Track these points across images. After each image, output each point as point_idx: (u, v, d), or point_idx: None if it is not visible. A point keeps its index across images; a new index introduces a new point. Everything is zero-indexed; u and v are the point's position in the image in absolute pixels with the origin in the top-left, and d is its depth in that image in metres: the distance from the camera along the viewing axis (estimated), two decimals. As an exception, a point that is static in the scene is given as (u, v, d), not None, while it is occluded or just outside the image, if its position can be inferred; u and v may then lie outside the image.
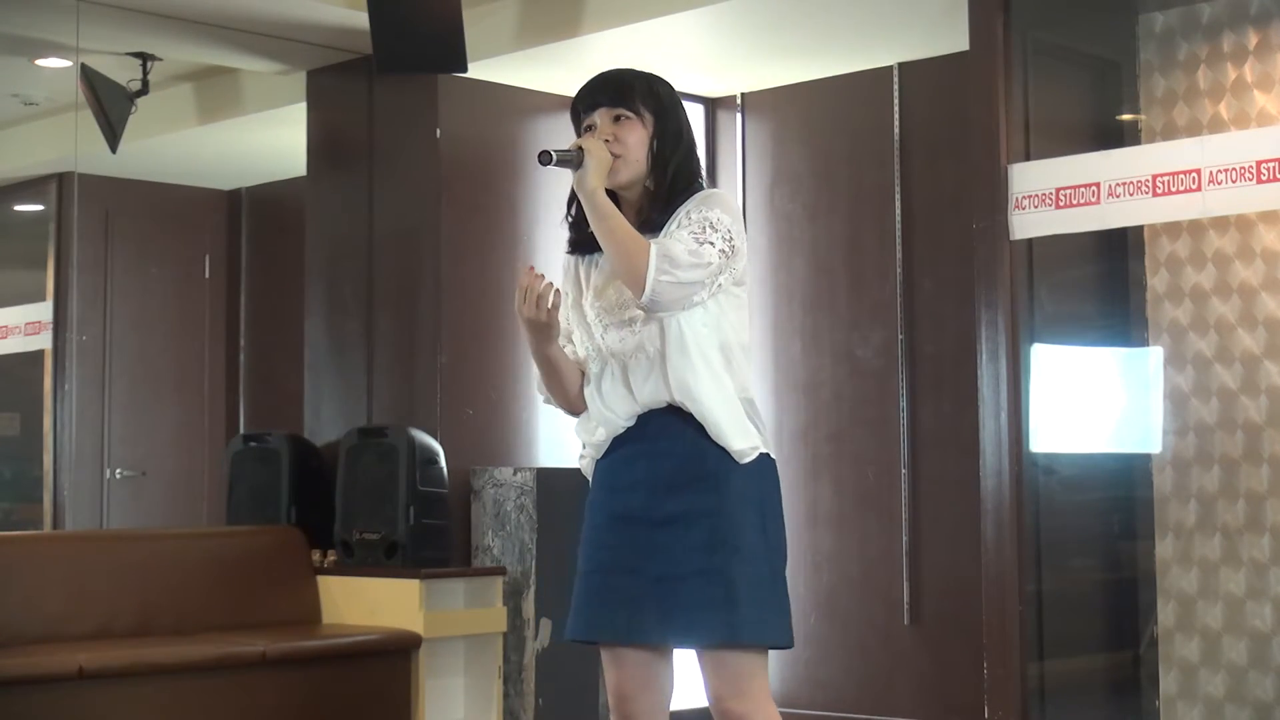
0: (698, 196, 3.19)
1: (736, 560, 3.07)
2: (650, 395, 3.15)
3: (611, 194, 3.22)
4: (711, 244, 3.08)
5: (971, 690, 5.40)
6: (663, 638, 3.12)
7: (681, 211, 3.16)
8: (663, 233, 3.14)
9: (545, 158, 3.12)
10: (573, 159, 3.13)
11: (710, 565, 3.07)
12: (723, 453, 3.11)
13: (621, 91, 3.23)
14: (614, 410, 3.19)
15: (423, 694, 5.61)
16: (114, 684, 4.90)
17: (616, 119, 3.21)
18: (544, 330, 3.19)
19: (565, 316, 3.30)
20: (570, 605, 3.24)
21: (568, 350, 3.28)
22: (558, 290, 3.19)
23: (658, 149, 3.21)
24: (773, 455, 3.20)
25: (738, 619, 3.05)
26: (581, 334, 3.27)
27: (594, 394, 3.23)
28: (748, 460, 3.12)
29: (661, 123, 3.23)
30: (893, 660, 6.20)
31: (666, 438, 3.14)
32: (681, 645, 3.16)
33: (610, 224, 3.10)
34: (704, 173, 3.32)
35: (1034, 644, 5.17)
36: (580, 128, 3.25)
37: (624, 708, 3.20)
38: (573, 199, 3.24)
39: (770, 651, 3.16)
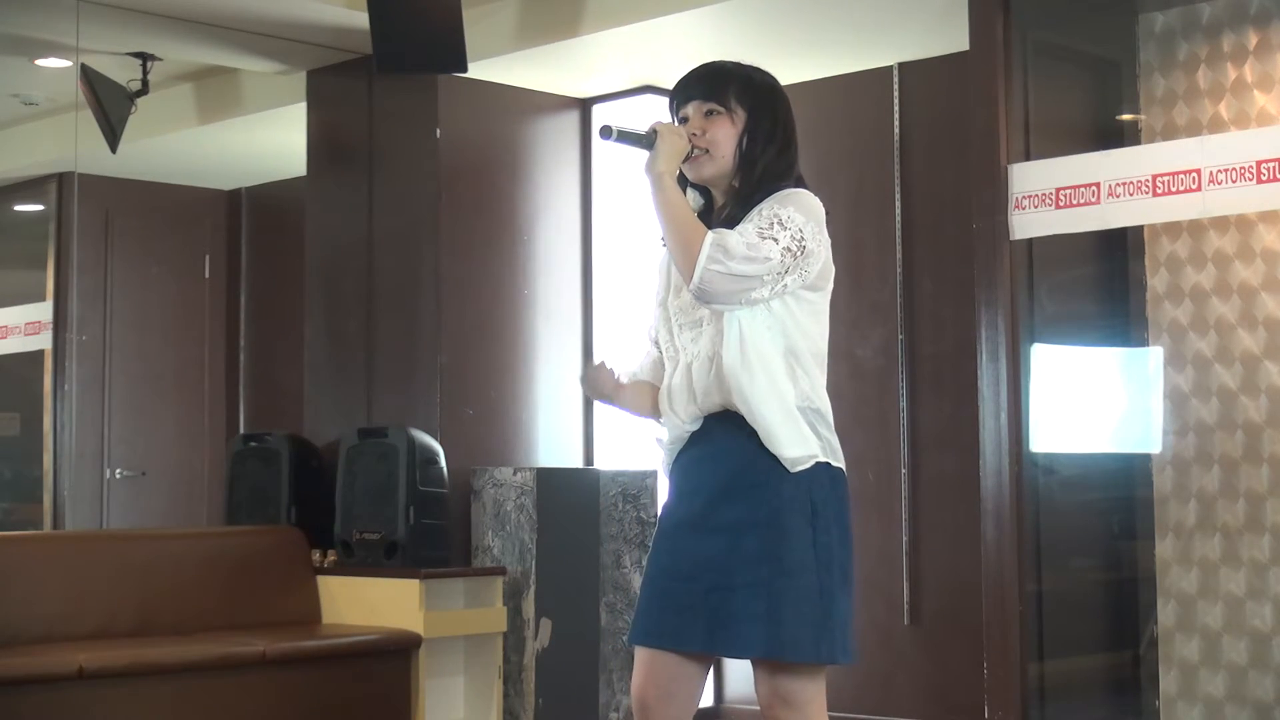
0: (779, 194, 3.12)
1: (780, 574, 3.02)
2: (707, 397, 3.12)
3: (705, 190, 3.21)
4: (775, 240, 3.02)
5: (971, 690, 5.40)
6: (709, 647, 3.09)
7: (756, 209, 3.10)
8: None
9: (606, 132, 3.08)
10: (643, 139, 3.08)
11: (757, 577, 3.03)
12: (775, 461, 3.05)
13: (714, 85, 3.19)
14: (678, 412, 3.16)
15: (423, 694, 5.61)
16: (114, 684, 4.90)
17: (708, 113, 3.17)
18: (607, 394, 3.29)
19: (653, 314, 3.29)
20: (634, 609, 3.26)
21: (652, 351, 3.30)
22: (610, 371, 3.29)
23: (746, 147, 3.17)
24: (836, 464, 3.12)
25: (778, 634, 3.01)
26: (663, 331, 3.25)
27: (664, 395, 3.20)
28: (800, 469, 3.06)
29: (754, 120, 3.17)
30: (893, 660, 6.20)
31: (725, 443, 3.10)
32: (731, 656, 3.14)
33: (670, 208, 3.04)
34: (799, 174, 3.25)
35: (1034, 644, 5.17)
36: (675, 118, 3.21)
37: (645, 713, 3.18)
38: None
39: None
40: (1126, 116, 5.56)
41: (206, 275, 8.12)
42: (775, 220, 3.05)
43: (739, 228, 3.05)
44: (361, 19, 5.90)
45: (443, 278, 6.29)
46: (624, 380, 3.30)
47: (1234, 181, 4.72)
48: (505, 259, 6.47)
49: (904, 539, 6.15)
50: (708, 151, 3.15)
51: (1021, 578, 5.07)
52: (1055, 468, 5.40)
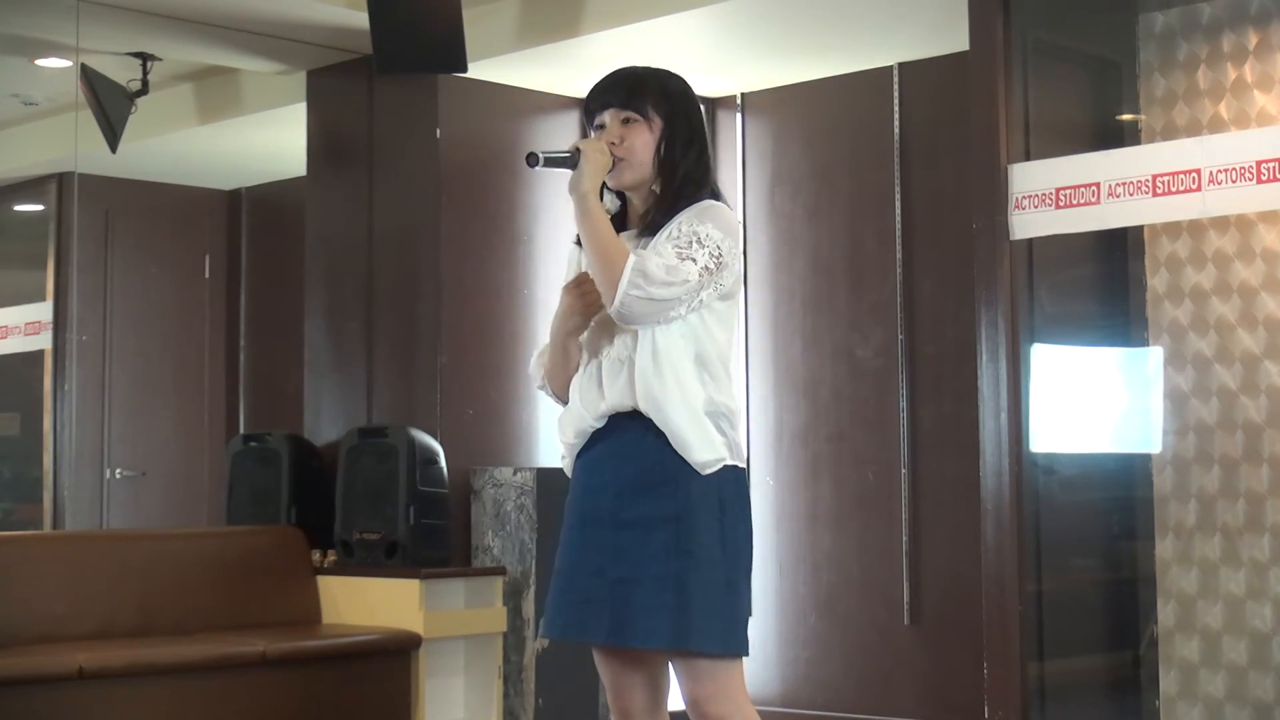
0: (696, 207, 3.17)
1: (691, 566, 3.07)
2: (617, 398, 3.16)
3: (620, 194, 3.24)
4: (694, 260, 3.08)
5: (971, 690, 5.39)
6: (615, 639, 3.13)
7: (675, 221, 3.15)
8: (654, 239, 3.14)
9: (533, 160, 3.13)
10: (567, 159, 3.12)
11: (666, 570, 3.08)
12: (684, 460, 3.11)
13: (631, 93, 3.22)
14: (586, 408, 3.20)
15: (423, 694, 5.61)
16: (114, 684, 4.90)
17: (625, 121, 3.20)
18: (582, 320, 3.22)
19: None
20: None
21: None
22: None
23: (665, 153, 3.20)
24: (741, 466, 3.19)
25: (687, 625, 3.06)
26: None
27: (574, 388, 3.25)
28: (710, 471, 3.12)
29: (671, 126, 3.21)
30: (893, 660, 6.20)
31: (632, 441, 3.15)
32: (634, 647, 3.16)
33: (594, 228, 3.10)
34: (716, 178, 3.30)
35: (1034, 644, 5.16)
36: (591, 125, 3.24)
37: (618, 704, 3.24)
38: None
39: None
40: (1126, 116, 5.55)
41: (206, 275, 8.12)
42: (694, 238, 3.10)
43: (657, 244, 3.11)
44: (361, 19, 5.90)
45: (443, 278, 6.29)
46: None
47: (1234, 181, 4.72)
48: (505, 259, 6.47)
49: (904, 539, 6.15)
50: (625, 160, 3.18)
51: (1021, 578, 5.07)
52: (1055, 468, 5.40)
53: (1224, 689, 5.11)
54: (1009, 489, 5.06)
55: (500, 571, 5.95)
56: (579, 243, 3.29)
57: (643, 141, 3.19)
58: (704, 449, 3.11)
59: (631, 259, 3.04)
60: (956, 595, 5.92)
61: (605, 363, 3.18)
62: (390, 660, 5.56)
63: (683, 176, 3.20)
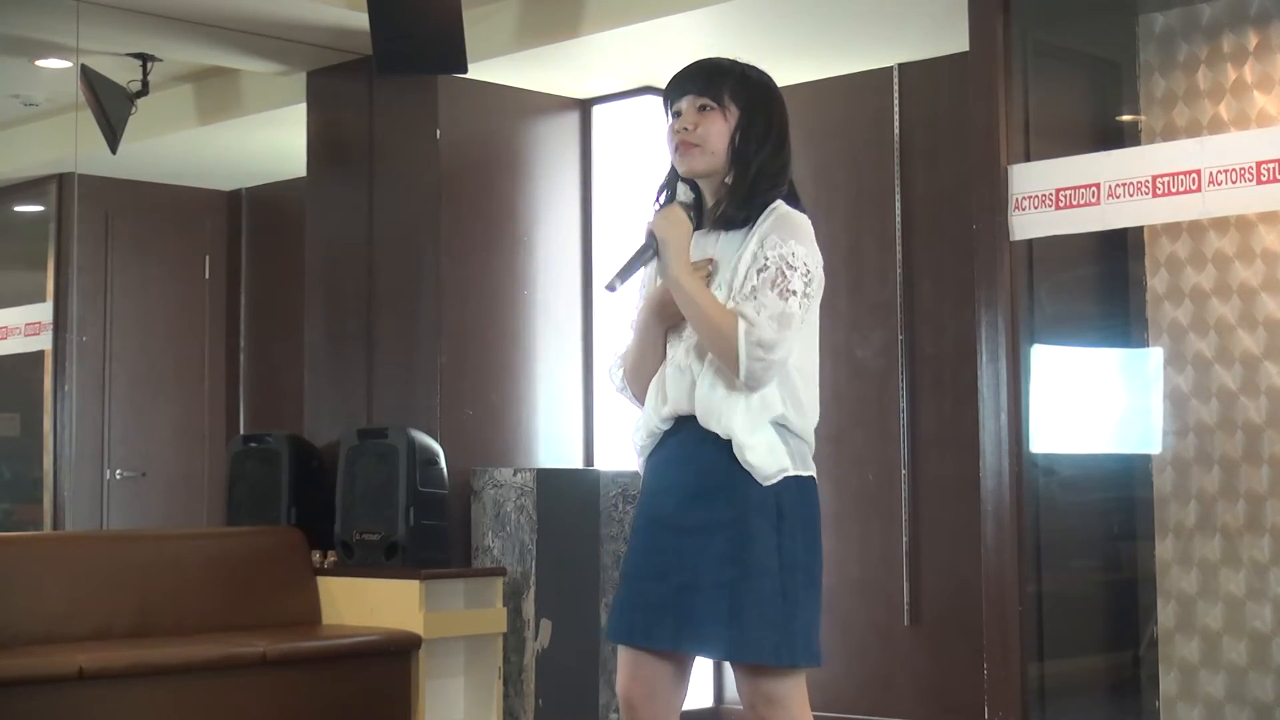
0: (775, 218, 3.13)
1: (743, 576, 3.06)
2: (678, 404, 3.14)
3: (692, 182, 3.21)
4: (794, 293, 3.07)
5: (971, 690, 5.39)
6: (676, 645, 3.12)
7: (756, 235, 3.11)
8: (739, 263, 3.09)
9: (613, 286, 3.12)
10: (645, 253, 3.10)
11: (722, 578, 3.06)
12: (744, 469, 3.09)
13: (710, 80, 3.19)
14: (653, 410, 3.18)
15: (423, 694, 5.61)
16: (114, 684, 4.89)
17: (701, 108, 3.17)
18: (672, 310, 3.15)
19: (638, 307, 3.30)
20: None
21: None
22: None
23: (739, 144, 3.17)
24: (807, 475, 3.18)
25: (739, 636, 3.05)
26: None
27: (651, 387, 3.22)
28: (771, 482, 3.10)
29: (747, 117, 3.18)
30: (893, 660, 6.20)
31: (695, 445, 3.12)
32: (693, 654, 3.16)
33: (698, 308, 3.06)
34: (791, 175, 3.26)
35: (1034, 644, 5.16)
36: (669, 112, 3.22)
37: (631, 712, 3.21)
38: (663, 187, 3.24)
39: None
40: (1126, 117, 5.55)
41: (206, 275, 8.13)
42: (785, 267, 3.07)
43: (757, 288, 3.05)
44: (361, 19, 5.90)
45: (443, 278, 6.29)
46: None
47: (1234, 182, 4.72)
48: (505, 259, 6.47)
49: (904, 539, 6.15)
50: (698, 145, 3.15)
51: (1021, 578, 5.07)
52: (1055, 468, 5.40)
53: (1224, 690, 5.11)
54: (1009, 489, 5.06)
55: (500, 572, 5.95)
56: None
57: (717, 130, 3.16)
58: (763, 459, 3.09)
59: (742, 327, 3.01)
60: (956, 595, 5.92)
61: (670, 368, 3.17)
62: (390, 661, 5.56)
63: (757, 169, 3.16)
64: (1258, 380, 5.11)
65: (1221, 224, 5.16)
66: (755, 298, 3.05)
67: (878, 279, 6.30)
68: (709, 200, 3.22)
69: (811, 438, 3.23)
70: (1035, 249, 5.23)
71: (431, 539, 5.87)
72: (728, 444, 3.08)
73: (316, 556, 6.03)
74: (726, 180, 3.19)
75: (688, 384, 3.12)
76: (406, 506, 5.83)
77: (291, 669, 5.29)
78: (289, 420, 6.90)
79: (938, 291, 6.15)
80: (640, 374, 3.24)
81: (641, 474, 3.28)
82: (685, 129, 3.15)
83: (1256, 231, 5.12)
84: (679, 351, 3.16)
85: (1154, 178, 4.87)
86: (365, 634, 5.60)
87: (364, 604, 5.79)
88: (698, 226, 3.20)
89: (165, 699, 5.02)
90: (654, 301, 3.19)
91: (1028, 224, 5.11)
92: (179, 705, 5.05)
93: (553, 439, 6.54)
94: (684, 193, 3.24)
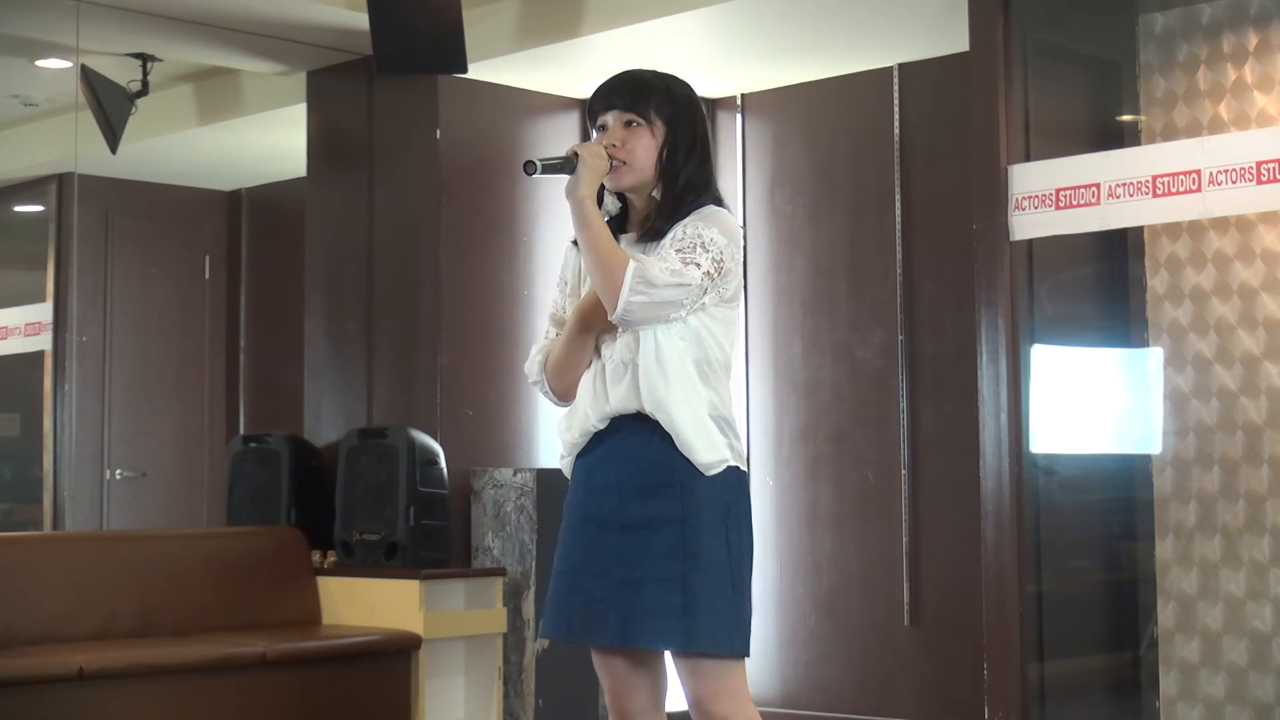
0: (699, 212, 3.17)
1: (696, 569, 3.09)
2: (621, 401, 3.16)
3: (622, 197, 3.24)
4: (698, 264, 3.09)
5: (971, 690, 5.40)
6: (622, 640, 3.14)
7: (679, 226, 3.16)
8: (657, 245, 3.14)
9: (530, 168, 3.14)
10: (563, 165, 3.12)
11: (672, 573, 3.09)
12: (688, 462, 3.12)
13: (635, 95, 3.22)
14: (589, 410, 3.21)
15: (423, 694, 5.61)
16: (114, 684, 4.89)
17: (628, 123, 3.20)
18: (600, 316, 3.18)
19: (558, 302, 3.35)
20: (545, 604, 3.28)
21: (551, 332, 3.34)
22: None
23: (666, 159, 3.21)
24: (744, 469, 3.21)
25: (694, 627, 3.08)
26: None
27: (580, 388, 3.24)
28: (714, 473, 3.14)
29: (674, 132, 3.21)
30: (893, 660, 6.20)
31: (636, 443, 3.16)
32: (640, 647, 3.18)
33: (592, 235, 3.10)
34: (718, 185, 3.30)
35: (1034, 644, 5.16)
36: (594, 126, 3.25)
37: (618, 706, 3.24)
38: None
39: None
40: (1126, 117, 5.55)
41: (206, 276, 8.12)
42: (698, 242, 3.11)
43: (662, 250, 3.11)
44: (361, 19, 5.90)
45: (443, 278, 6.29)
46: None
47: (1234, 182, 4.72)
48: (505, 259, 6.47)
49: (904, 539, 6.15)
50: (625, 163, 3.18)
51: (1021, 578, 5.07)
52: (1055, 468, 5.40)
53: (1224, 690, 5.11)
54: (1009, 489, 5.06)
55: (500, 572, 5.95)
56: (575, 244, 3.29)
57: (644, 145, 3.19)
58: (708, 450, 3.13)
59: (632, 265, 3.05)
60: (956, 595, 5.92)
61: (609, 365, 3.19)
62: (390, 661, 5.56)
63: (684, 183, 3.20)
64: (1258, 380, 5.11)
65: (1221, 224, 5.16)
66: (660, 257, 3.10)
67: (878, 279, 6.30)
68: (640, 211, 3.25)
69: (741, 434, 3.26)
70: (1035, 249, 5.23)
71: (431, 539, 5.87)
72: (668, 440, 3.12)
73: (316, 556, 6.03)
74: (654, 194, 3.22)
75: (630, 379, 3.14)
76: (406, 506, 5.83)
77: (291, 669, 5.29)
78: (289, 420, 6.90)
79: (938, 291, 6.15)
80: (563, 372, 3.27)
81: (567, 473, 3.30)
82: (613, 145, 3.17)
83: (1256, 231, 5.12)
84: (617, 348, 3.18)
85: (1154, 178, 4.87)
86: (365, 634, 5.59)
87: (364, 604, 5.79)
88: (620, 231, 3.23)
89: (165, 699, 5.02)
90: (585, 309, 3.21)
91: (1028, 224, 5.11)
92: (179, 705, 5.05)
93: (553, 439, 6.51)
94: (611, 204, 3.27)
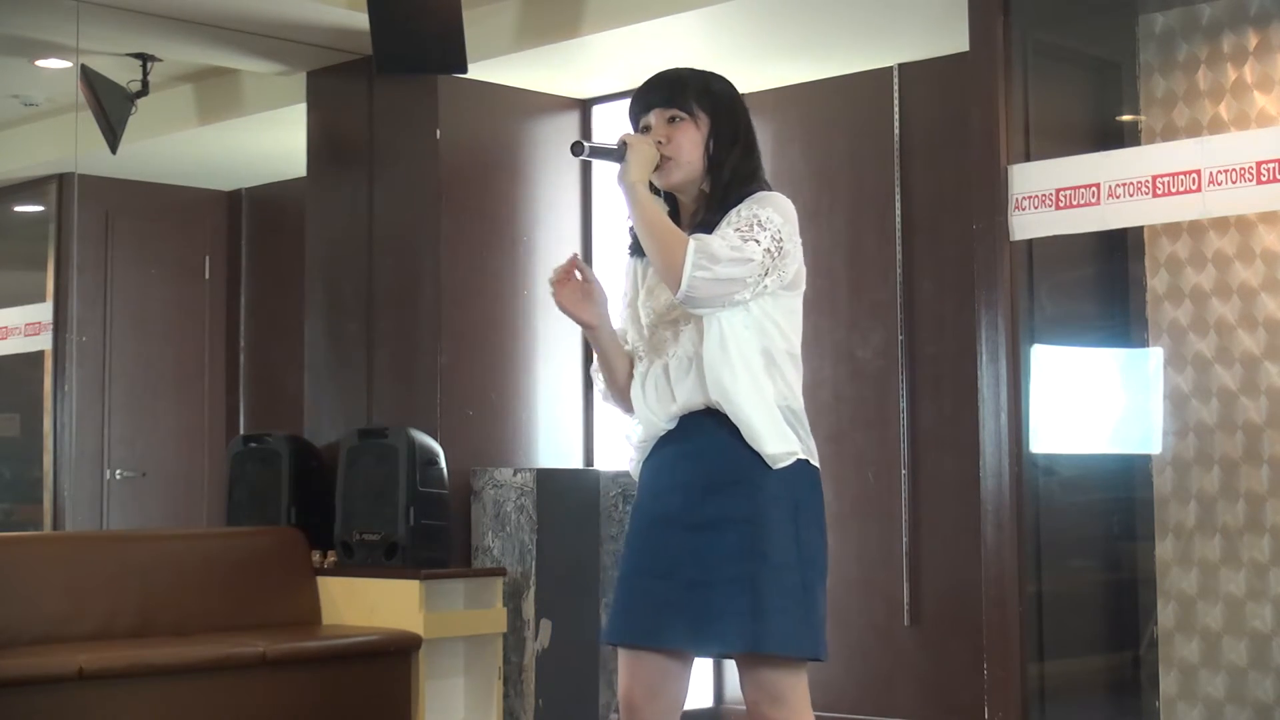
0: (754, 196, 3.14)
1: (766, 569, 3.03)
2: (688, 396, 3.12)
3: (671, 198, 3.21)
4: (757, 241, 3.04)
5: (971, 691, 5.39)
6: (691, 643, 3.10)
7: (733, 212, 3.12)
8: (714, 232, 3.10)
9: (578, 148, 3.10)
10: (613, 152, 3.09)
11: (740, 573, 3.03)
12: (757, 457, 3.07)
13: (675, 91, 3.19)
14: (654, 411, 3.17)
15: (423, 695, 5.61)
16: (114, 684, 4.90)
17: (670, 120, 3.18)
18: (580, 315, 3.18)
19: (622, 315, 3.30)
20: (610, 608, 3.23)
21: (626, 348, 3.28)
22: (579, 267, 3.19)
23: (713, 151, 3.18)
24: (814, 463, 3.16)
25: (763, 629, 3.01)
26: (634, 333, 3.27)
27: (639, 393, 3.20)
28: (782, 465, 3.08)
29: (717, 124, 3.19)
30: (893, 661, 6.20)
31: (703, 440, 3.11)
32: (709, 652, 3.14)
33: (648, 218, 3.06)
34: (765, 174, 3.28)
35: (1034, 644, 5.16)
36: (636, 128, 3.22)
37: (633, 713, 3.17)
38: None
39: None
40: (1126, 117, 5.55)
41: (206, 276, 8.13)
42: (755, 221, 3.07)
43: (718, 231, 3.07)
44: (361, 19, 5.90)
45: (443, 278, 6.29)
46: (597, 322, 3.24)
47: (1234, 182, 4.72)
48: (505, 259, 6.47)
49: (904, 539, 6.15)
50: (672, 158, 3.16)
51: (1021, 578, 5.07)
52: (1055, 468, 5.40)
53: (1224, 690, 5.11)
54: (1009, 489, 5.06)
55: (500, 572, 5.95)
56: (635, 250, 3.25)
57: (690, 140, 3.17)
58: (776, 441, 3.08)
59: (693, 241, 3.00)
60: (956, 595, 5.92)
61: (672, 363, 3.15)
62: (390, 661, 5.56)
63: (731, 174, 3.17)
64: (1258, 380, 5.11)
65: (1221, 224, 5.16)
66: (719, 235, 3.06)
67: (878, 279, 6.30)
68: (689, 208, 3.23)
69: (809, 431, 3.21)
70: (1035, 249, 5.23)
71: (431, 539, 5.87)
72: (736, 434, 3.07)
73: (316, 556, 6.03)
74: (703, 188, 3.20)
75: (696, 373, 3.10)
76: (406, 506, 5.83)
77: (291, 669, 5.29)
78: (289, 420, 6.90)
79: (938, 291, 6.15)
80: (614, 381, 3.26)
81: (635, 476, 3.26)
82: (660, 143, 3.15)
83: (1256, 231, 5.12)
84: (680, 344, 3.14)
85: (1154, 178, 4.87)
86: (365, 634, 5.60)
87: (364, 604, 5.79)
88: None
89: (165, 699, 5.02)
90: (574, 315, 3.20)
91: (1028, 224, 5.11)
92: (179, 705, 5.05)
93: (553, 439, 6.54)
94: (660, 205, 3.24)
